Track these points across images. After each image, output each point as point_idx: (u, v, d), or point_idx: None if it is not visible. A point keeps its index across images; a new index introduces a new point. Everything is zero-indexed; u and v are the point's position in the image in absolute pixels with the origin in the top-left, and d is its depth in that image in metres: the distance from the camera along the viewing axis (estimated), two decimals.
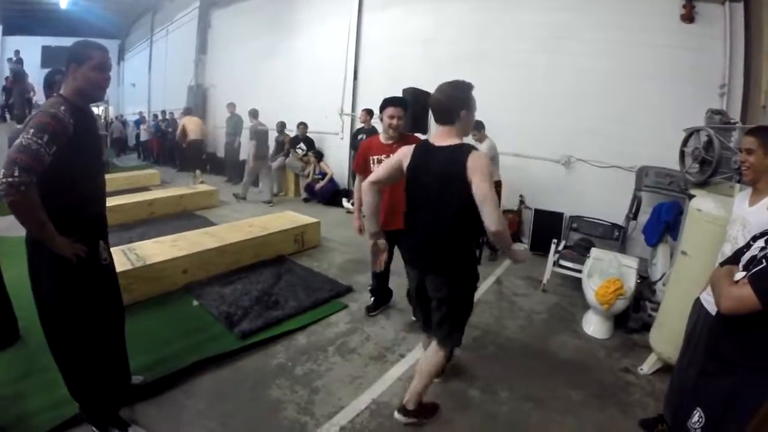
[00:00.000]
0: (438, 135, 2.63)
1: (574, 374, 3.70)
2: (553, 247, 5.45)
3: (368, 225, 2.19)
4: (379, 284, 4.49)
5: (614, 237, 6.27)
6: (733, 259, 2.19)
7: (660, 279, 4.82)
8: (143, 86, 19.49)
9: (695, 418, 2.11)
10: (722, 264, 2.25)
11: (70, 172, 2.20)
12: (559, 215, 6.99)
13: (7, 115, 11.96)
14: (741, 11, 5.67)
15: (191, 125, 11.16)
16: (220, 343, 3.66)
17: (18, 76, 12.09)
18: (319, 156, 9.89)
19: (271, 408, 3.01)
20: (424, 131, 6.65)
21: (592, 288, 4.36)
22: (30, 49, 16.40)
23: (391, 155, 3.47)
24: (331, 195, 9.72)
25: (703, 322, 2.42)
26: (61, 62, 2.34)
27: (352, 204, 8.91)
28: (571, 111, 6.96)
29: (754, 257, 2.00)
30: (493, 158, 6.31)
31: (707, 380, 2.14)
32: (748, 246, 2.14)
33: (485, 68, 7.63)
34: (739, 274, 2.02)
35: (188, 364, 3.29)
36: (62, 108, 2.13)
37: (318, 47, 10.83)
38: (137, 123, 17.72)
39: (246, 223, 6.21)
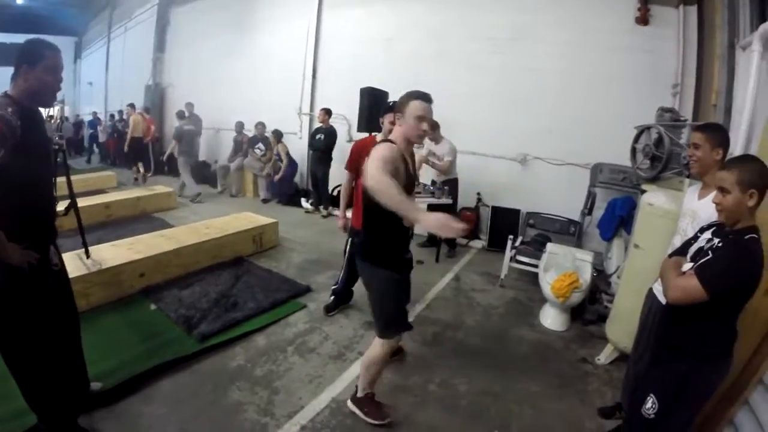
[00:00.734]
0: None
1: (532, 366, 3.78)
2: (509, 243, 5.52)
3: (409, 206, 2.14)
4: (347, 285, 4.50)
5: (570, 232, 6.41)
6: (681, 250, 2.27)
7: (615, 272, 4.94)
8: (100, 85, 18.96)
9: (649, 404, 2.18)
10: (671, 255, 2.33)
11: (17, 176, 2.11)
12: (516, 212, 7.13)
13: None
14: (694, 14, 5.84)
15: (135, 122, 11.65)
16: (178, 347, 3.61)
17: None
18: (279, 135, 9.74)
19: (232, 410, 2.99)
20: (380, 130, 6.68)
21: (548, 282, 4.46)
22: None
23: None
24: (293, 189, 9.71)
25: (655, 312, 2.50)
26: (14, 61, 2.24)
27: (311, 204, 8.94)
28: (528, 110, 7.10)
29: (701, 249, 2.08)
30: (453, 158, 6.39)
31: (659, 368, 2.22)
32: (695, 238, 2.22)
33: (444, 68, 7.77)
34: (687, 266, 2.10)
35: (147, 369, 3.24)
36: (9, 110, 2.05)
37: (278, 46, 10.72)
38: (91, 124, 17.06)
39: (204, 224, 6.11)
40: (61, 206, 2.72)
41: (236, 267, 5.39)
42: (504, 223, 7.00)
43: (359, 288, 4.43)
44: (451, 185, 6.35)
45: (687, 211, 2.63)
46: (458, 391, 3.36)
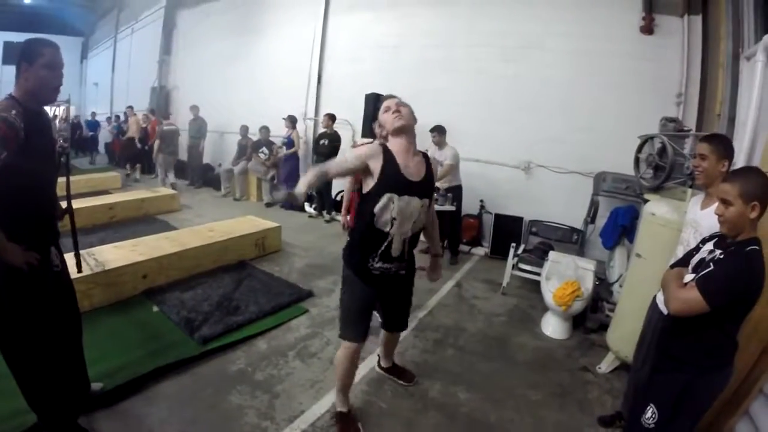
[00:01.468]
0: None
1: (533, 374, 3.78)
2: (512, 250, 5.52)
3: None
4: None
5: (573, 240, 6.41)
6: (683, 261, 2.27)
7: (617, 281, 4.93)
8: (106, 86, 19.03)
9: (648, 414, 2.19)
10: (672, 266, 2.34)
11: (20, 177, 2.13)
12: (519, 219, 7.11)
13: None
14: (699, 24, 5.84)
15: (131, 124, 13.21)
16: (180, 350, 3.61)
17: None
18: (294, 121, 9.68)
19: (232, 414, 2.99)
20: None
21: (550, 290, 4.46)
22: None
23: None
24: (294, 176, 9.52)
25: (657, 322, 2.50)
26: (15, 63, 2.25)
27: (314, 208, 8.94)
28: (533, 118, 7.09)
29: (702, 260, 2.09)
30: (456, 164, 6.41)
31: (660, 378, 2.22)
32: (697, 249, 2.23)
33: (450, 76, 7.80)
34: (688, 277, 2.10)
35: (148, 371, 3.24)
36: (13, 112, 2.06)
37: (283, 51, 10.75)
38: (91, 125, 17.07)
39: (207, 227, 6.13)
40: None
41: (239, 270, 5.40)
42: (507, 231, 6.98)
43: None
44: (454, 192, 6.36)
45: (689, 221, 2.63)
46: (459, 398, 3.35)
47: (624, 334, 3.57)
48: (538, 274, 5.06)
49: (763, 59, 3.43)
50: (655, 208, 3.55)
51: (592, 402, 3.44)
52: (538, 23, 7.09)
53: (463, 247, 7.23)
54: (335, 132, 8.55)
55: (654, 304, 2.61)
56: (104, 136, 16.56)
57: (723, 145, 2.52)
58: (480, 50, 7.58)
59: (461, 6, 7.85)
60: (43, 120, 2.36)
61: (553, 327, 4.53)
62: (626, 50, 6.37)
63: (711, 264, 2.00)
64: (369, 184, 2.51)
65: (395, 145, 2.58)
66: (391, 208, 2.47)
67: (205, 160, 12.11)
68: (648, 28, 6.19)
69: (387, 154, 2.52)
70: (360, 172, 2.55)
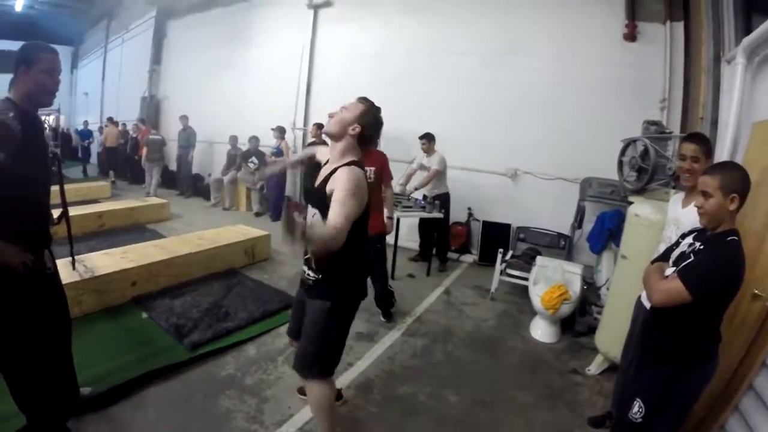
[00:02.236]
0: None
1: (522, 377, 3.80)
2: (500, 256, 5.55)
3: None
4: (381, 287, 4.61)
5: (560, 246, 6.45)
6: (664, 256, 2.31)
7: (604, 284, 4.97)
8: (96, 96, 18.95)
9: (635, 409, 2.22)
10: (653, 262, 2.37)
11: (16, 179, 2.14)
12: (507, 226, 7.14)
13: None
14: (681, 30, 5.93)
15: (110, 133, 13.97)
16: (169, 355, 3.61)
17: None
18: (282, 131, 9.69)
19: (221, 418, 2.99)
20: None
21: (537, 294, 4.50)
22: None
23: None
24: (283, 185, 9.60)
25: (642, 319, 2.53)
26: (12, 66, 2.26)
27: (303, 218, 8.91)
28: (518, 125, 7.15)
29: (683, 253, 2.13)
30: (443, 171, 6.46)
31: (644, 372, 2.26)
32: (677, 244, 2.27)
33: (435, 83, 7.85)
34: (669, 270, 2.14)
35: (137, 376, 3.24)
36: (11, 114, 2.09)
37: (272, 61, 10.75)
38: (84, 135, 16.61)
39: (196, 236, 6.13)
40: (54, 214, 2.73)
41: (228, 278, 5.40)
42: (495, 238, 7.00)
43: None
44: (442, 199, 6.38)
45: (671, 219, 2.68)
46: (448, 402, 3.37)
47: (612, 335, 3.60)
48: (526, 279, 5.08)
49: (742, 61, 3.49)
50: (639, 210, 3.60)
51: (582, 403, 3.46)
52: (521, 30, 7.16)
53: (452, 255, 7.25)
54: (324, 141, 8.52)
55: (639, 302, 2.63)
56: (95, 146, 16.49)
57: (708, 144, 2.59)
58: (462, 57, 7.63)
59: (443, 14, 7.91)
60: (37, 124, 2.38)
61: (542, 331, 4.55)
62: (610, 57, 6.44)
63: (692, 255, 2.04)
64: None
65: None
66: None
67: (195, 170, 12.07)
68: (631, 35, 6.27)
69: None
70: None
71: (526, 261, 5.70)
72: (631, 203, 3.97)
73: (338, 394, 3.17)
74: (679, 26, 5.95)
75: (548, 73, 6.91)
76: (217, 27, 12.16)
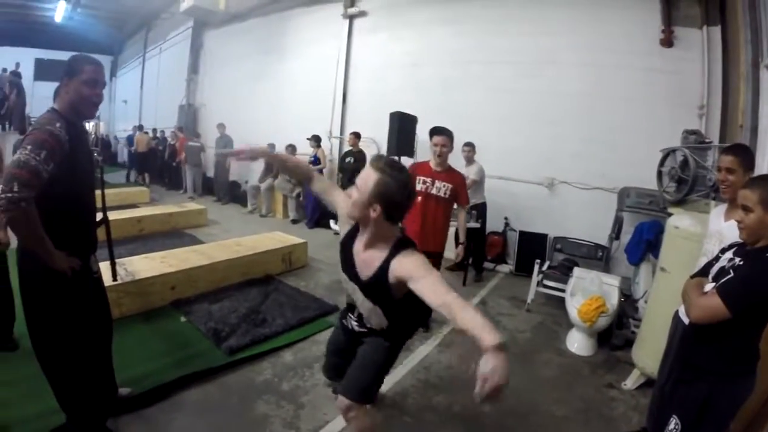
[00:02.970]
0: None
1: (557, 391, 3.75)
2: (536, 267, 5.51)
3: None
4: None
5: (598, 257, 6.36)
6: (703, 271, 2.27)
7: (642, 296, 4.89)
8: (135, 103, 19.44)
9: (671, 425, 2.17)
10: (693, 276, 2.33)
11: (65, 187, 2.21)
12: (543, 236, 7.07)
13: (7, 125, 12.18)
14: (718, 34, 5.84)
15: (140, 140, 14.90)
16: (207, 359, 3.67)
17: (18, 88, 12.59)
18: (318, 140, 9.76)
19: (258, 422, 3.03)
20: (410, 155, 6.78)
21: (574, 306, 4.43)
22: (23, 60, 16.30)
23: (436, 181, 3.97)
24: (321, 213, 9.69)
25: (680, 335, 2.49)
26: (53, 75, 2.31)
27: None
28: (555, 134, 7.10)
29: (722, 268, 2.09)
30: (481, 181, 6.45)
31: (682, 388, 2.22)
32: (716, 258, 2.23)
33: (470, 93, 7.86)
34: (709, 286, 2.10)
35: (175, 378, 3.30)
36: (58, 125, 2.14)
37: (308, 70, 10.91)
38: (131, 140, 16.65)
39: (234, 242, 6.23)
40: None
41: (266, 284, 5.46)
42: (531, 248, 6.94)
43: None
44: (479, 209, 6.38)
45: (713, 232, 2.62)
46: (482, 413, 3.33)
47: (649, 349, 3.55)
48: (563, 291, 5.03)
49: None
50: (679, 222, 3.55)
51: (617, 418, 3.40)
52: (554, 39, 7.13)
53: (488, 265, 7.22)
54: (361, 150, 8.71)
55: (677, 316, 2.59)
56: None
57: (747, 156, 2.54)
58: (498, 67, 7.63)
59: (476, 24, 7.95)
60: (81, 133, 2.45)
61: (578, 343, 4.50)
62: (646, 63, 6.36)
63: (731, 271, 2.00)
64: None
65: None
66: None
67: (232, 177, 12.31)
68: (668, 41, 6.18)
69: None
70: None
71: (563, 272, 5.64)
72: (670, 214, 3.92)
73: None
74: (716, 31, 5.86)
75: (584, 81, 6.86)
76: (252, 36, 12.42)
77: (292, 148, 10.00)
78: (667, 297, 3.29)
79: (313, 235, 8.15)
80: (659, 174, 4.35)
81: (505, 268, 7.35)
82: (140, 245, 6.65)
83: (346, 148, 9.28)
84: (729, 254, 2.15)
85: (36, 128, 2.12)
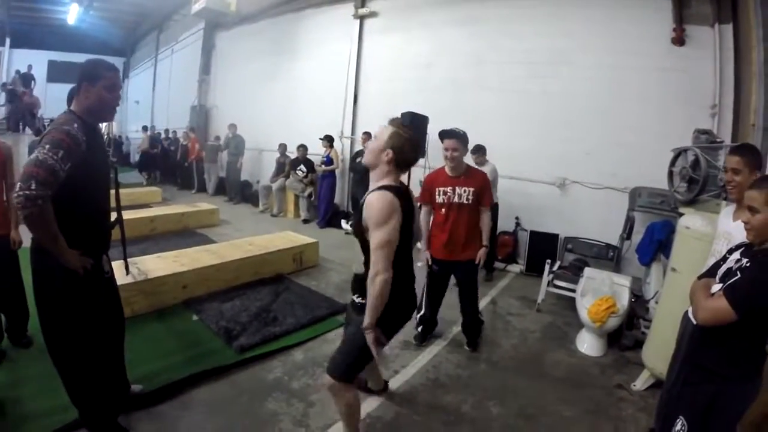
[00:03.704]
0: None
1: (567, 391, 3.74)
2: (547, 267, 5.50)
3: None
4: (432, 313, 4.43)
5: (608, 257, 6.34)
6: (710, 272, 2.26)
7: (653, 297, 4.87)
8: (147, 104, 19.66)
9: (678, 426, 2.16)
10: (700, 277, 2.33)
11: (81, 187, 2.26)
12: (554, 236, 7.05)
13: (20, 126, 12.25)
14: (730, 33, 5.80)
15: (143, 140, 15.59)
16: (218, 357, 3.71)
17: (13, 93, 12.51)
18: (331, 140, 9.78)
19: (267, 420, 3.05)
20: (422, 154, 6.77)
21: (585, 306, 4.42)
22: (36, 62, 16.49)
23: (457, 188, 3.86)
24: (332, 212, 9.78)
25: (689, 335, 2.48)
26: (66, 77, 2.36)
27: (351, 225, 9.01)
28: (566, 134, 7.08)
29: (729, 269, 2.08)
30: (493, 181, 6.42)
31: (689, 389, 2.20)
32: (724, 259, 2.21)
33: (481, 93, 7.86)
34: (716, 287, 2.09)
35: (186, 376, 3.34)
36: (75, 125, 2.19)
37: (319, 70, 10.97)
38: (155, 140, 16.29)
39: (246, 241, 6.27)
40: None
41: (277, 284, 5.50)
42: (542, 248, 6.92)
43: None
44: (491, 209, 6.36)
45: (722, 233, 2.61)
46: (491, 414, 3.35)
47: (659, 350, 3.52)
48: (574, 291, 5.01)
49: None
50: (690, 222, 3.53)
51: (626, 419, 3.39)
52: (567, 39, 7.13)
53: (499, 264, 7.22)
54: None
55: (686, 317, 2.58)
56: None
57: (754, 156, 2.51)
58: (510, 68, 7.64)
59: (488, 25, 7.95)
60: (97, 134, 2.50)
61: (588, 344, 4.48)
62: (658, 62, 6.33)
63: (738, 272, 1.99)
64: None
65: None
66: None
67: (243, 176, 12.38)
68: (679, 39, 6.14)
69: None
70: None
71: (574, 272, 5.62)
72: (681, 214, 3.90)
73: (385, 386, 3.48)
74: (728, 29, 5.82)
75: (596, 81, 6.85)
76: (264, 37, 12.49)
77: (303, 148, 10.07)
78: (678, 297, 3.26)
79: (324, 235, 8.18)
80: (670, 174, 4.33)
81: (515, 268, 7.33)
82: (152, 245, 6.71)
83: (358, 147, 9.29)
84: (736, 255, 2.13)
85: (54, 128, 2.17)
